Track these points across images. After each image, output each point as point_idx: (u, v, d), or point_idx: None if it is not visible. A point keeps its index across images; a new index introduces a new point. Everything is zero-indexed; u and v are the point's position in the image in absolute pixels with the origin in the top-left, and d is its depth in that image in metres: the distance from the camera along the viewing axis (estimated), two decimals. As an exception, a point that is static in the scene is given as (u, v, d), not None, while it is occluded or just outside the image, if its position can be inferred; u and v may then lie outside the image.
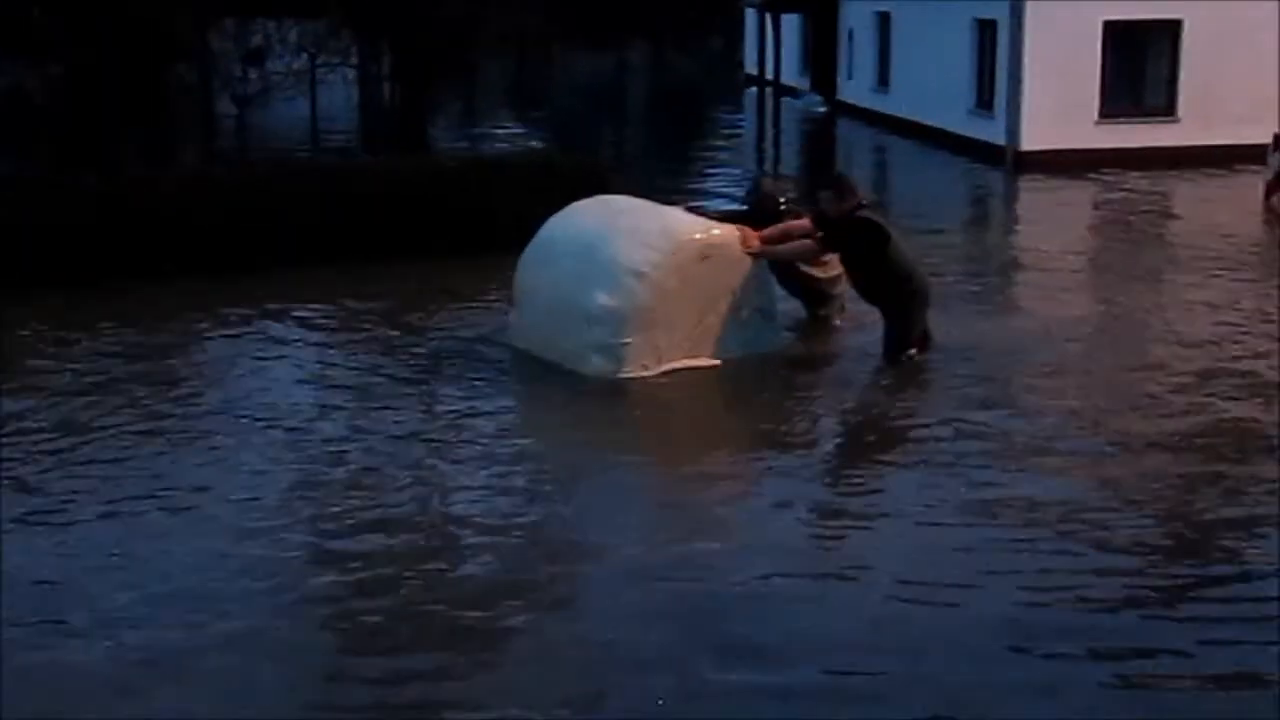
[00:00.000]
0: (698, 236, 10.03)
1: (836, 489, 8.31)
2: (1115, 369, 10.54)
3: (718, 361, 10.06)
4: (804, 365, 10.56)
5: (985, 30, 23.19)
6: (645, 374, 9.74)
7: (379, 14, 22.78)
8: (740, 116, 33.24)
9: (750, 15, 37.60)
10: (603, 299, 9.66)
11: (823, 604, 6.58)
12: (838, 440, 9.33)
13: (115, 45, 17.71)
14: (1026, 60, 21.72)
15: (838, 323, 11.37)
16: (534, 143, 25.12)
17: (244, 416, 9.26)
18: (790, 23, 33.51)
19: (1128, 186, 19.78)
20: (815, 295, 11.32)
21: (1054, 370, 10.34)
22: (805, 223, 10.60)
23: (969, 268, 14.59)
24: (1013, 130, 21.94)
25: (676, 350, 9.89)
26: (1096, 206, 19.25)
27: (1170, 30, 22.04)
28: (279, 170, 15.74)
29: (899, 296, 10.34)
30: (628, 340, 9.68)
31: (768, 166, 25.11)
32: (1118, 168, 20.58)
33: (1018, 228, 18.85)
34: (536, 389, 10.05)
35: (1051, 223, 18.03)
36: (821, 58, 31.86)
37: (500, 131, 27.44)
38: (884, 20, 28.04)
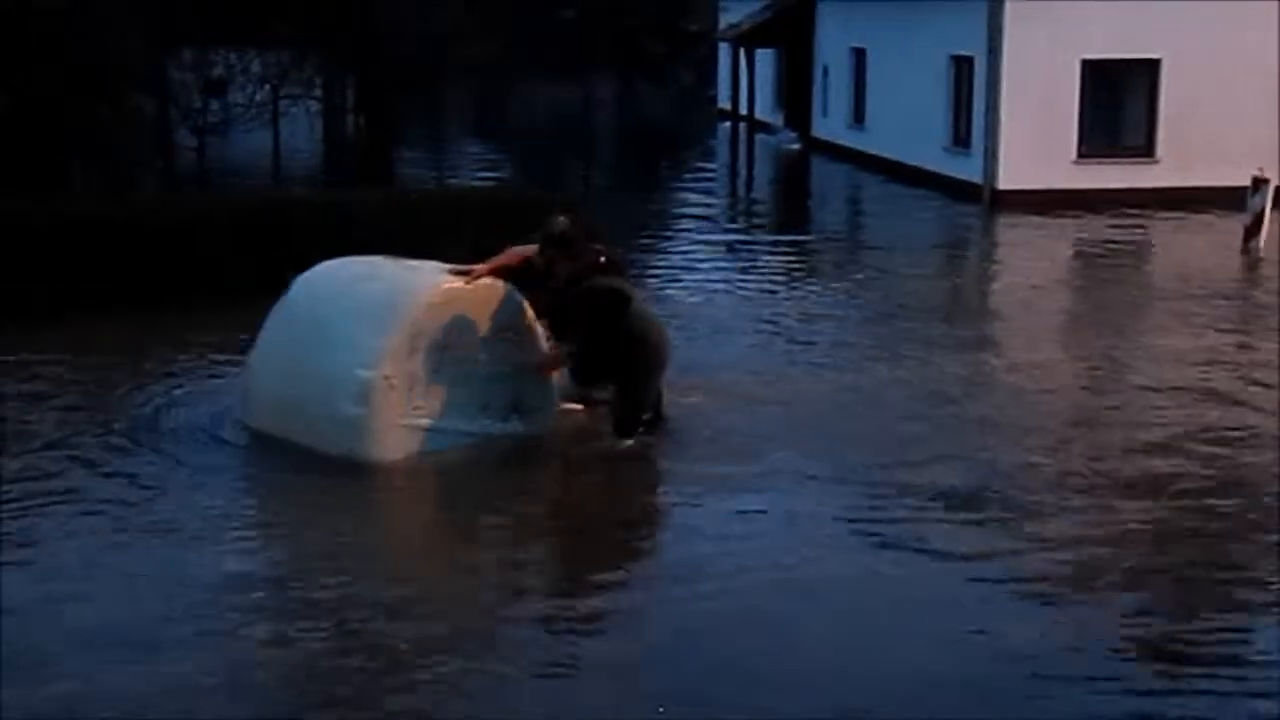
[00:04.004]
0: (444, 295, 8.96)
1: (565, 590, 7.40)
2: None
3: (476, 436, 9.06)
4: (570, 449, 9.27)
5: (962, 67, 22.82)
6: (397, 456, 8.76)
7: (343, 45, 22.33)
8: (712, 153, 32.84)
9: (723, 49, 37.28)
10: (347, 376, 8.70)
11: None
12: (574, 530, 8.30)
13: (64, 73, 17.14)
14: (1004, 98, 21.37)
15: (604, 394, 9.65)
16: (500, 176, 24.63)
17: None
18: (764, 58, 33.16)
19: (1106, 227, 19.38)
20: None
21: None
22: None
23: (927, 308, 14.20)
24: (990, 168, 21.55)
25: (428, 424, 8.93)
26: (1074, 247, 18.84)
27: (1149, 70, 21.73)
28: (224, 203, 15.19)
29: (636, 365, 8.98)
30: (374, 418, 8.70)
31: (740, 205, 24.68)
32: (1096, 208, 20.20)
33: (992, 269, 18.38)
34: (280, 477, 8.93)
35: (1027, 264, 17.56)
36: (796, 94, 31.51)
37: (467, 165, 26.93)
38: (859, 56, 27.69)
